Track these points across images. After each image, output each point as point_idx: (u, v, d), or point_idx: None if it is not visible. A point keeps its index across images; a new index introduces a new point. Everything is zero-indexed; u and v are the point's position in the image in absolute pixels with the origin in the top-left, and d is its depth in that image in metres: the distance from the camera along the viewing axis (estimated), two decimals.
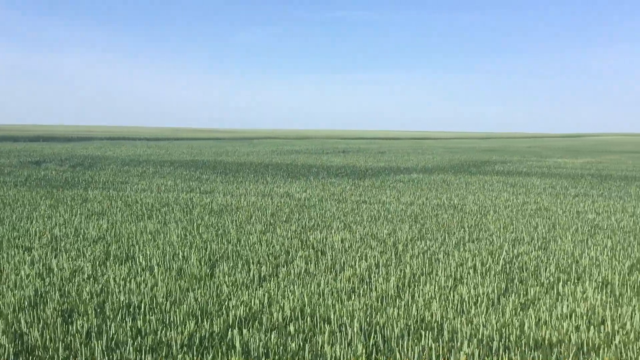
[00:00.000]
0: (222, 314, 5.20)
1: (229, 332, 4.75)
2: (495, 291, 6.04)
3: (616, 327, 5.01)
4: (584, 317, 5.27)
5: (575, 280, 6.56)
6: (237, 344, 4.48)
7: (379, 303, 5.61)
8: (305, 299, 5.59)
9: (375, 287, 6.09)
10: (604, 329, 4.98)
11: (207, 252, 7.57)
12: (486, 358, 4.41)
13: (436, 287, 6.13)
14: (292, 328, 4.83)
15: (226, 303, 5.48)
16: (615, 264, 7.29)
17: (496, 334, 4.81)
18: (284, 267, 6.95)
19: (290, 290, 5.90)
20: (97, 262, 7.00)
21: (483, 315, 5.25)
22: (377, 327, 4.92)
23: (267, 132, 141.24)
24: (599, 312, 5.38)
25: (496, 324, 5.03)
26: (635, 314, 5.33)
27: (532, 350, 4.56)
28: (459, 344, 4.62)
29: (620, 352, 4.54)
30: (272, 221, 10.21)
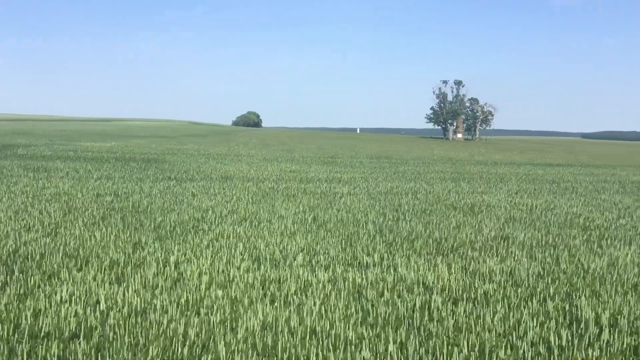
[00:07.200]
0: None
1: None
2: None
3: (110, 304, 5.23)
4: (83, 300, 5.33)
5: (82, 265, 6.58)
6: None
7: None
8: None
9: None
10: (99, 308, 5.14)
11: None
12: None
13: None
14: None
15: None
16: (120, 244, 7.59)
17: None
18: None
19: None
20: None
21: None
22: None
23: None
24: (97, 293, 5.52)
25: None
26: (128, 290, 5.65)
27: (29, 342, 4.36)
28: None
29: (115, 329, 4.73)
30: None
